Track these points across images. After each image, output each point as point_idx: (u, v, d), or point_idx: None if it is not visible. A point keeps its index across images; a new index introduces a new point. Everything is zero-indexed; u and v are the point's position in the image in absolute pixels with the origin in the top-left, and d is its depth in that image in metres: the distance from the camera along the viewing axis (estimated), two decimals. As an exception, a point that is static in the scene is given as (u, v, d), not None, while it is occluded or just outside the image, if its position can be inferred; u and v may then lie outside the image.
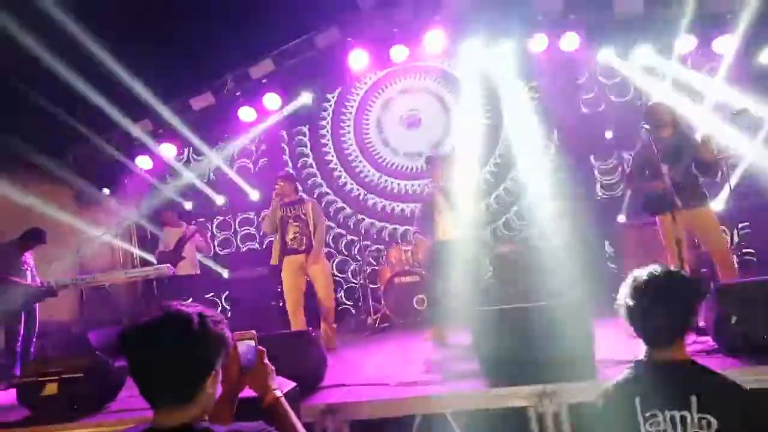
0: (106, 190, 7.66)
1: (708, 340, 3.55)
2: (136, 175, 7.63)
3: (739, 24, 6.07)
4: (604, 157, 7.39)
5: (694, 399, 1.50)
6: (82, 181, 7.45)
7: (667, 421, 1.50)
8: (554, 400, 3.05)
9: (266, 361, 1.71)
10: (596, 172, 7.42)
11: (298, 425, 1.62)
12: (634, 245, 5.68)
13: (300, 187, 5.79)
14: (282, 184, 5.41)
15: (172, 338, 1.36)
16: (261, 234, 8.35)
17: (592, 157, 7.44)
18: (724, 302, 3.26)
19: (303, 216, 5.41)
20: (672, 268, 1.82)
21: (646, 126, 4.14)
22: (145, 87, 6.79)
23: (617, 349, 3.41)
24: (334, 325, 5.48)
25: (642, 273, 1.81)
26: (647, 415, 1.53)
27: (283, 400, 1.67)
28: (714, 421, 1.47)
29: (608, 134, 7.15)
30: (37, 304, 5.70)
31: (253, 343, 1.68)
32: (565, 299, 3.46)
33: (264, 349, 1.70)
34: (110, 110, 6.81)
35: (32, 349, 5.63)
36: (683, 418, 1.49)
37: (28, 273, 5.67)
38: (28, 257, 5.74)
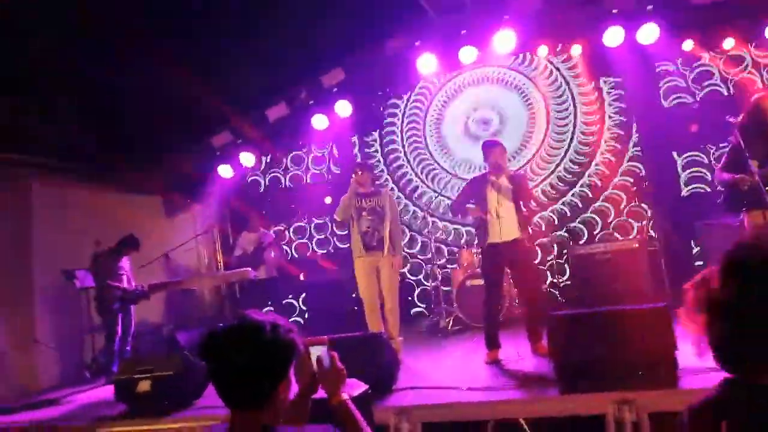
0: (192, 198, 8.12)
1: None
2: (218, 184, 8.03)
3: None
4: (687, 151, 7.01)
5: None
6: (170, 191, 7.94)
7: None
8: (634, 408, 2.95)
9: (339, 365, 1.79)
10: (679, 167, 7.04)
11: (364, 426, 1.68)
12: (722, 244, 5.34)
13: (376, 177, 5.51)
14: (360, 172, 5.20)
15: (246, 346, 1.47)
16: (335, 239, 8.56)
17: (674, 153, 7.07)
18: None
19: (379, 209, 5.15)
20: None
21: (745, 121, 3.95)
22: (223, 99, 7.17)
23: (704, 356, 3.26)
24: (400, 338, 5.14)
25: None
26: None
27: (349, 402, 1.75)
28: None
29: (693, 128, 6.76)
30: (132, 307, 6.14)
31: (325, 348, 1.76)
32: (646, 305, 3.33)
33: (335, 353, 1.78)
34: (193, 123, 7.26)
35: (128, 348, 6.06)
36: None
37: (125, 278, 6.11)
38: (125, 263, 6.19)
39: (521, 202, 4.67)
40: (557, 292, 7.12)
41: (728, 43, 6.49)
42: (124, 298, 5.98)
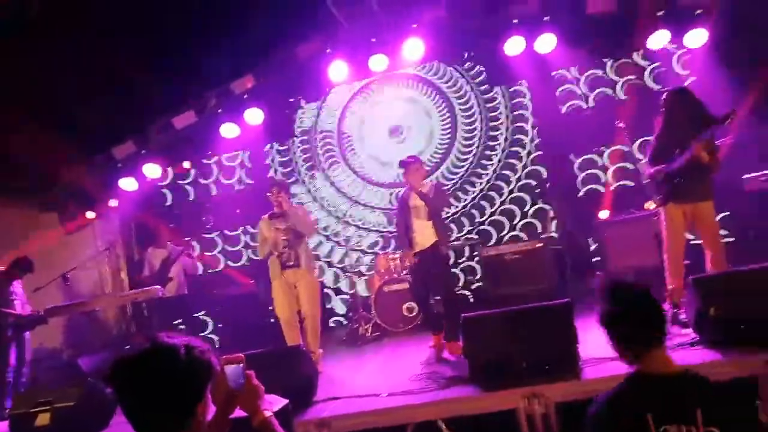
0: (91, 214, 7.63)
1: (690, 333, 3.63)
2: (120, 197, 7.61)
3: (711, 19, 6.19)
4: (583, 153, 7.49)
5: (698, 412, 1.52)
6: (67, 205, 7.43)
7: None
8: (542, 401, 3.11)
9: (255, 382, 1.75)
10: (576, 168, 7.51)
11: None
12: (616, 241, 5.76)
13: (290, 195, 5.51)
14: (274, 192, 5.20)
15: (161, 370, 1.40)
16: (248, 251, 8.37)
17: (571, 155, 7.53)
18: (702, 295, 3.34)
19: (293, 228, 5.18)
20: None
21: (663, 114, 4.26)
22: (126, 107, 6.82)
23: (600, 348, 3.47)
24: (320, 350, 5.21)
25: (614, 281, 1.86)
26: (661, 429, 1.55)
27: (272, 419, 1.71)
28: None
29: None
30: (27, 333, 5.67)
31: (241, 366, 1.71)
32: (550, 302, 3.52)
33: (252, 372, 1.74)
34: (93, 133, 6.83)
35: (23, 380, 5.59)
36: None
37: (17, 303, 5.63)
38: (17, 287, 5.71)
39: (438, 211, 5.13)
40: (470, 294, 7.37)
41: (618, 52, 7.02)
42: (18, 324, 5.51)
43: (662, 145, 4.29)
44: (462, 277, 7.48)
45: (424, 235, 5.05)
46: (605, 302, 1.80)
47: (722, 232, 6.63)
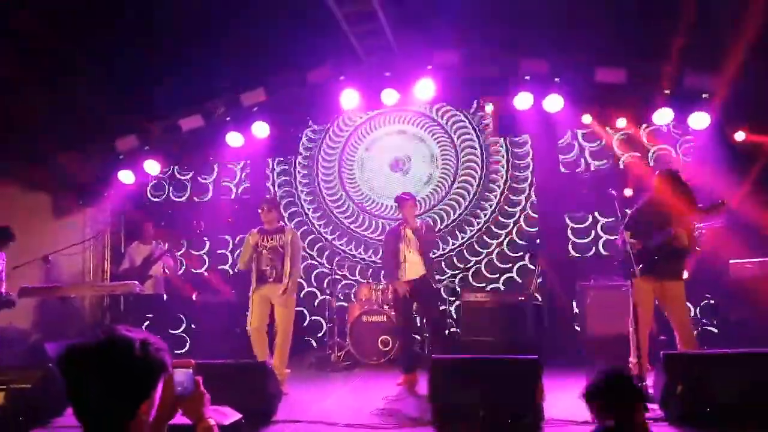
0: (84, 201, 7.62)
1: (656, 408, 3.63)
2: (116, 189, 7.62)
3: (714, 103, 6.36)
4: (578, 217, 7.56)
5: None
6: (61, 189, 7.42)
7: None
8: (499, 454, 3.09)
9: (202, 389, 1.74)
10: (569, 231, 7.58)
11: None
12: (596, 306, 5.79)
13: (282, 214, 5.88)
14: (265, 209, 5.36)
15: (113, 361, 1.39)
16: (234, 257, 8.35)
17: (566, 217, 7.61)
18: (670, 372, 3.35)
19: (280, 248, 5.29)
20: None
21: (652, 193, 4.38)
22: (135, 102, 6.90)
23: (570, 409, 3.46)
24: (287, 371, 5.21)
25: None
26: None
27: (215, 428, 1.70)
28: None
29: (627, 192, 7.09)
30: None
31: (190, 371, 1.70)
32: (519, 356, 3.52)
33: (200, 377, 1.73)
34: (96, 122, 6.89)
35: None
36: None
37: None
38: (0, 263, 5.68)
39: (428, 247, 5.48)
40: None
41: (621, 122, 7.16)
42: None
43: (643, 219, 4.37)
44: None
45: (414, 267, 5.33)
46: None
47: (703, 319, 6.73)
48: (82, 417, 1.40)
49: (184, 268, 8.34)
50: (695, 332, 4.64)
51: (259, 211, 5.40)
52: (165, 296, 7.04)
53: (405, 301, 5.36)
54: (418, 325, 6.42)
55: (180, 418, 1.69)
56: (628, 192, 6.67)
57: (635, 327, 4.29)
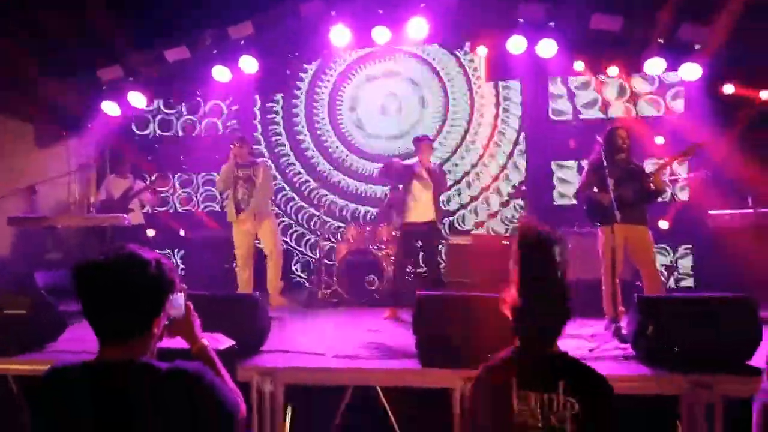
0: (68, 131, 7.49)
1: (628, 347, 3.83)
2: (100, 121, 7.47)
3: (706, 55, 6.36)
4: (564, 164, 7.65)
5: (561, 384, 1.71)
6: (44, 120, 7.27)
7: (536, 402, 1.72)
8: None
9: (193, 313, 1.83)
10: (554, 178, 7.68)
11: (224, 373, 1.75)
12: (576, 252, 5.95)
13: (253, 150, 6.57)
14: (238, 145, 5.97)
15: (132, 275, 1.48)
16: (221, 195, 8.35)
17: (553, 163, 7.69)
18: (643, 314, 3.52)
19: (253, 178, 5.95)
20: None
21: (603, 145, 4.45)
22: (118, 31, 6.66)
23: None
24: (281, 282, 6.11)
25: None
26: (520, 394, 1.74)
27: (209, 348, 1.81)
28: (577, 405, 1.68)
29: (572, 143, 7.35)
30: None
31: (183, 295, 1.78)
32: (497, 296, 3.64)
33: (190, 303, 1.81)
34: (80, 50, 6.67)
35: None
36: (551, 400, 1.70)
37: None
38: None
39: (440, 189, 5.67)
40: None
41: (612, 71, 7.14)
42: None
43: (599, 174, 4.45)
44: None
45: (424, 208, 5.48)
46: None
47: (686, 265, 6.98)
48: (97, 327, 1.49)
49: (173, 205, 8.32)
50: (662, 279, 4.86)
51: (231, 146, 6.00)
52: (153, 231, 7.08)
53: (408, 241, 5.57)
54: (412, 266, 6.58)
55: (169, 343, 1.77)
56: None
57: (606, 274, 4.50)
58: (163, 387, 1.44)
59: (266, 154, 8.39)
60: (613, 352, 3.79)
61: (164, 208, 8.32)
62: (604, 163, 4.33)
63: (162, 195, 8.03)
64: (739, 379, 3.13)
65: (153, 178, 7.07)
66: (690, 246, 7.13)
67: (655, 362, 3.43)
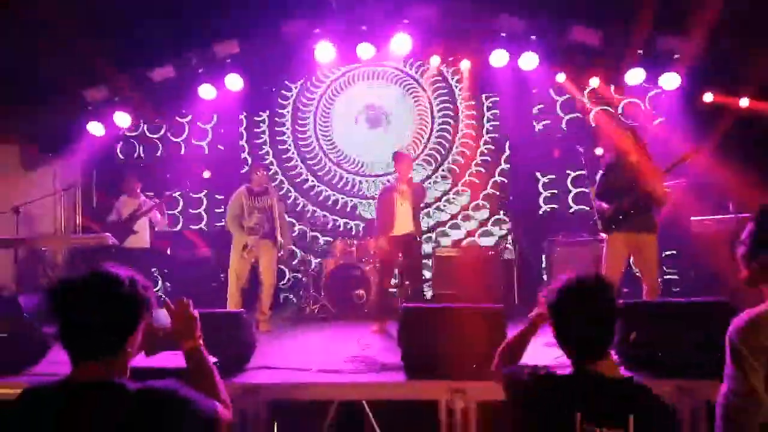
0: (53, 154, 7.46)
1: (612, 354, 3.83)
2: (86, 142, 7.45)
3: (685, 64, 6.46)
4: (549, 172, 7.72)
5: (631, 418, 1.53)
6: (30, 140, 7.25)
7: None
8: (464, 397, 3.26)
9: (193, 311, 1.84)
10: (540, 186, 7.74)
11: (215, 371, 1.76)
12: (564, 261, 6.00)
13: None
14: (261, 172, 5.91)
15: (103, 296, 1.48)
16: (207, 215, 8.34)
17: (538, 173, 7.76)
18: (627, 320, 3.54)
19: (268, 208, 5.78)
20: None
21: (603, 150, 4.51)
22: (104, 51, 6.68)
23: (531, 359, 3.64)
24: (269, 311, 5.82)
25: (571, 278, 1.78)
26: (585, 427, 1.56)
27: (202, 348, 1.82)
28: None
29: (556, 153, 7.44)
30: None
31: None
32: (484, 305, 3.67)
33: (189, 299, 1.83)
34: (65, 71, 6.68)
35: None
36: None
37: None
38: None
39: (419, 204, 5.76)
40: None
41: (594, 82, 7.25)
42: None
43: (610, 183, 4.51)
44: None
45: (404, 221, 5.58)
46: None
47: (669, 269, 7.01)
48: (71, 348, 1.49)
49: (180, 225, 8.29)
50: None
51: (257, 174, 5.86)
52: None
53: (390, 255, 5.64)
54: (396, 278, 6.57)
55: (145, 361, 1.77)
56: (598, 151, 6.84)
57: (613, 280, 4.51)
58: (134, 408, 1.44)
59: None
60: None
61: (176, 228, 8.22)
62: (602, 171, 4.43)
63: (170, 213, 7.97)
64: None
65: (156, 200, 7.00)
66: (674, 250, 7.18)
67: (638, 368, 3.43)
